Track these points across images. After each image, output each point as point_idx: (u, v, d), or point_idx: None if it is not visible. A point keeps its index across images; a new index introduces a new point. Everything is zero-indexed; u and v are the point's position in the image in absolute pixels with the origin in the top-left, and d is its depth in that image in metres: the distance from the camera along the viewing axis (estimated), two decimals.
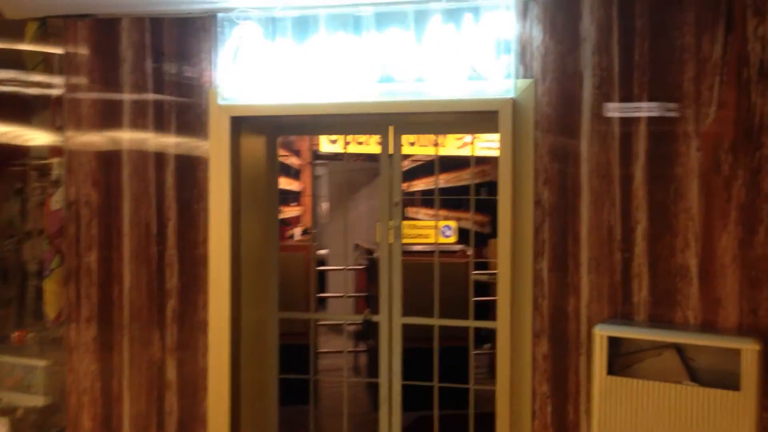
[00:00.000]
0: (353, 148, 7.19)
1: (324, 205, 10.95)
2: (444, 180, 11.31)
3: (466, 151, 7.32)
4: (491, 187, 9.96)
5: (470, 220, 10.08)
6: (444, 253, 6.55)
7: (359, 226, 9.57)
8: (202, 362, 3.65)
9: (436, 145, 7.28)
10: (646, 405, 2.89)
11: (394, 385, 3.82)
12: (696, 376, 2.89)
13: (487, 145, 7.43)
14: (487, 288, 6.68)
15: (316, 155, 10.37)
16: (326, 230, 10.32)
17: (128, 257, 3.70)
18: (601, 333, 2.98)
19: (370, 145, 6.96)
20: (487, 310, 7.05)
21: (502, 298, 3.28)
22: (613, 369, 2.98)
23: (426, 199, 10.38)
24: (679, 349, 2.93)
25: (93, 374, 3.76)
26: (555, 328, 3.23)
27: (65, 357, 3.80)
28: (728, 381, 2.79)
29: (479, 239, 9.63)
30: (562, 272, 3.21)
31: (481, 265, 7.56)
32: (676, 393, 2.84)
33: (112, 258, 3.71)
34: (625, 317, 3.13)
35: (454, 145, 7.62)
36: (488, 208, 9.92)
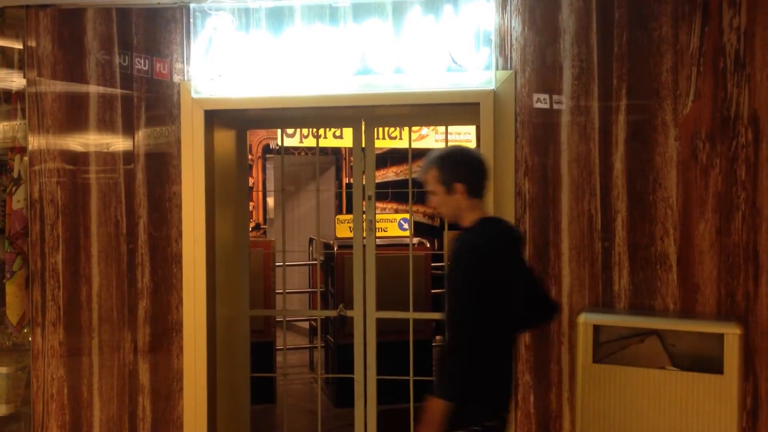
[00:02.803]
0: (310, 142, 7.12)
1: (269, 201, 10.82)
2: (395, 173, 11.32)
3: (423, 144, 7.31)
4: None
5: (425, 213, 10.10)
6: (401, 246, 6.52)
7: (309, 220, 9.48)
8: (176, 364, 3.55)
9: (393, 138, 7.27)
10: (630, 391, 2.93)
11: (369, 380, 3.79)
12: (676, 362, 2.95)
13: (441, 137, 7.45)
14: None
15: (267, 149, 10.25)
16: (273, 225, 10.18)
17: (97, 257, 3.57)
18: (586, 321, 3.02)
19: (327, 138, 6.89)
20: (443, 302, 7.08)
21: None
22: (595, 357, 3.01)
23: (379, 193, 10.35)
24: (659, 335, 2.99)
25: (60, 380, 3.61)
26: None
27: (29, 363, 3.64)
28: (707, 365, 2.86)
29: (431, 231, 9.68)
30: (543, 262, 3.23)
31: (438, 258, 7.59)
32: (661, 378, 2.89)
33: (80, 258, 3.57)
34: (606, 306, 3.17)
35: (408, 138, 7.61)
36: None
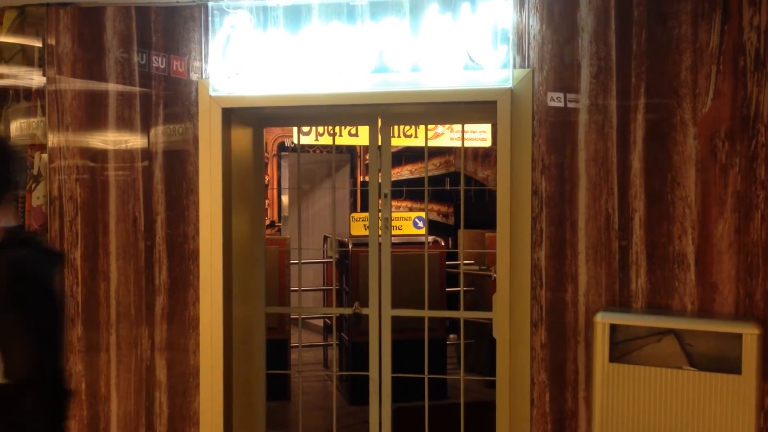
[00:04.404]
0: (325, 140, 7.13)
1: (284, 198, 10.85)
2: (410, 171, 11.33)
3: (438, 142, 7.31)
4: (454, 177, 10.05)
5: (446, 211, 10.08)
6: (416, 245, 6.53)
7: (323, 218, 9.50)
8: (193, 360, 3.57)
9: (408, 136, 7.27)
10: (647, 391, 2.92)
11: (384, 378, 3.79)
12: (693, 361, 2.94)
13: (456, 135, 7.43)
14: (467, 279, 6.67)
15: (282, 147, 10.28)
16: (288, 223, 10.22)
17: (115, 254, 3.59)
18: (603, 320, 3.01)
19: (343, 136, 6.90)
20: (457, 301, 7.10)
21: (501, 288, 3.28)
22: (612, 356, 3.00)
23: (393, 191, 10.35)
24: (676, 334, 2.97)
25: (78, 375, 3.64)
26: (553, 317, 3.24)
27: None
28: (725, 365, 2.84)
29: (446, 230, 9.67)
30: (559, 261, 3.22)
31: (453, 256, 7.59)
32: (678, 378, 2.88)
33: (98, 255, 3.60)
34: (623, 305, 3.15)
35: (424, 136, 7.61)
36: (452, 198, 9.99)
